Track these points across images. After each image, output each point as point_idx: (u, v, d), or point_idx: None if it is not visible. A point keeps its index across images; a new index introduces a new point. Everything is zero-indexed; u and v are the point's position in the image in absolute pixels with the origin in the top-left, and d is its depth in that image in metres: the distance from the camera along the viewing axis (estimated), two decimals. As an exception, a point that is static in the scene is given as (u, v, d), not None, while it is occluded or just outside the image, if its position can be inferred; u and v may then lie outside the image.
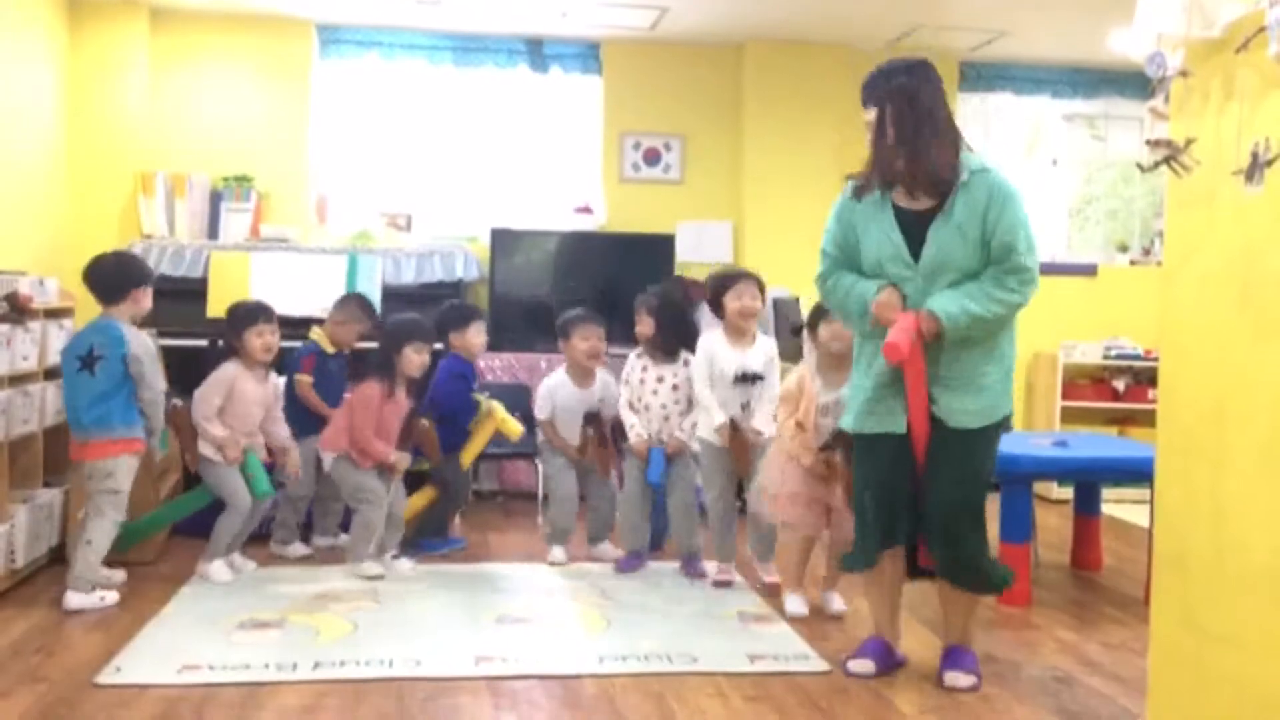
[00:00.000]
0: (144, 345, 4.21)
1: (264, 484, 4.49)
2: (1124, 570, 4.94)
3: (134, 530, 4.41)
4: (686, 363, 4.59)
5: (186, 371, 5.33)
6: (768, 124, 6.90)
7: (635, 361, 4.72)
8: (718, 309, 4.45)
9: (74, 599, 3.97)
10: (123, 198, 6.33)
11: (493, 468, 6.42)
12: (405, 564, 4.65)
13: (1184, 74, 2.57)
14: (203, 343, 5.65)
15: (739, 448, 4.37)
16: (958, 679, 3.34)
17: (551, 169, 7.01)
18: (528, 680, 3.34)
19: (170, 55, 6.53)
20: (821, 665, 3.51)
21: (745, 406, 4.37)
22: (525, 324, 6.61)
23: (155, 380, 4.20)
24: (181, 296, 6.05)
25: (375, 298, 6.18)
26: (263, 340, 4.48)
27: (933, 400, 3.29)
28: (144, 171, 6.33)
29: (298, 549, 4.92)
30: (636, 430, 4.61)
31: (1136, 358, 7.00)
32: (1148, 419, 6.15)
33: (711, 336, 4.47)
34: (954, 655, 3.43)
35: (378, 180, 6.86)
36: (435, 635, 3.73)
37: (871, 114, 3.28)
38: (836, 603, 4.14)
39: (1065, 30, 6.44)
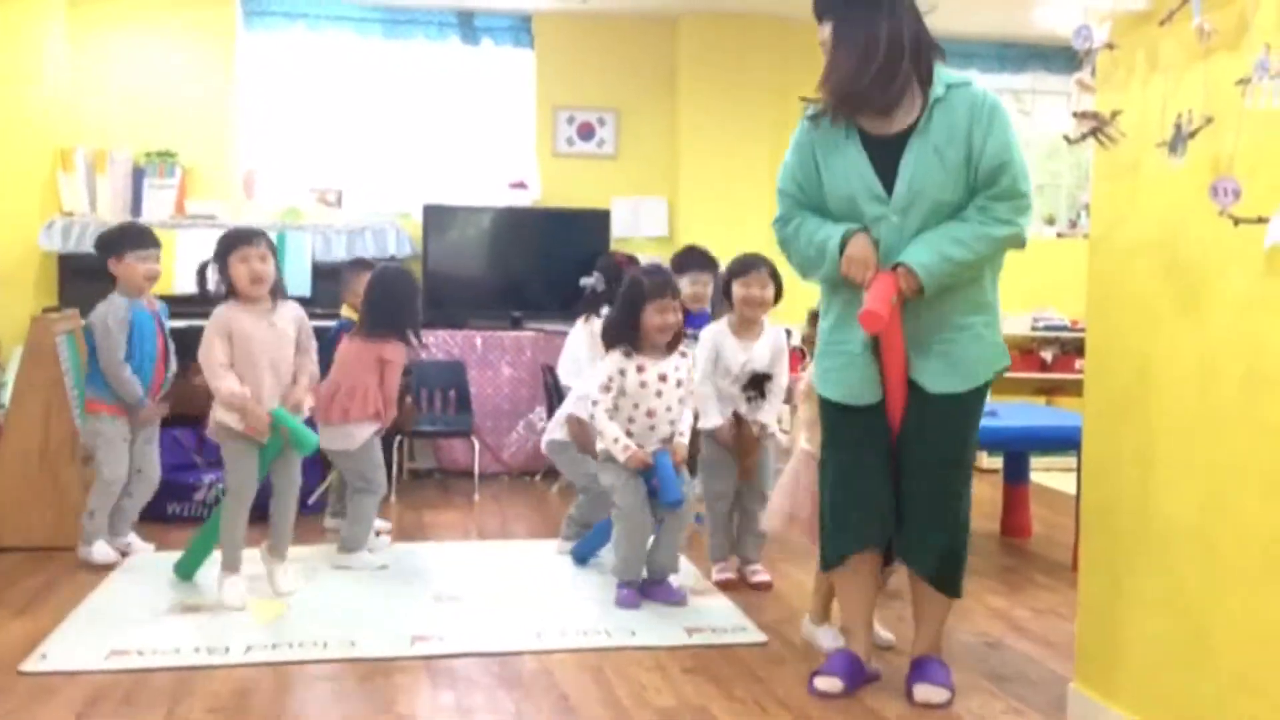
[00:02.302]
0: (105, 314, 4.25)
1: (306, 434, 3.77)
2: (1052, 537, 5.04)
3: (190, 558, 4.02)
4: (684, 354, 4.00)
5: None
6: (703, 98, 6.89)
7: (625, 362, 3.89)
8: (727, 297, 4.18)
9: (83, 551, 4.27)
10: (41, 174, 6.15)
11: (427, 445, 6.37)
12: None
13: (1110, 46, 2.60)
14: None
15: (742, 444, 4.10)
16: (930, 694, 2.98)
17: (485, 144, 6.95)
18: (465, 658, 3.33)
19: (89, 27, 6.34)
20: (759, 636, 3.54)
21: (751, 400, 4.12)
22: (459, 301, 6.56)
23: (109, 350, 4.23)
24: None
25: (305, 275, 6.09)
26: (248, 267, 3.71)
27: (910, 363, 2.89)
28: (63, 147, 6.16)
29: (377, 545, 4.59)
30: (624, 443, 3.85)
31: (1064, 329, 7.13)
32: (1075, 388, 6.29)
33: (717, 328, 4.17)
34: (925, 667, 3.05)
35: (307, 155, 6.75)
36: (370, 616, 3.69)
37: (827, 29, 2.84)
38: (882, 633, 3.48)
39: (993, 5, 6.50)
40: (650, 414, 3.90)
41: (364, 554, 4.36)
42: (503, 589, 4.05)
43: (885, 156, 2.84)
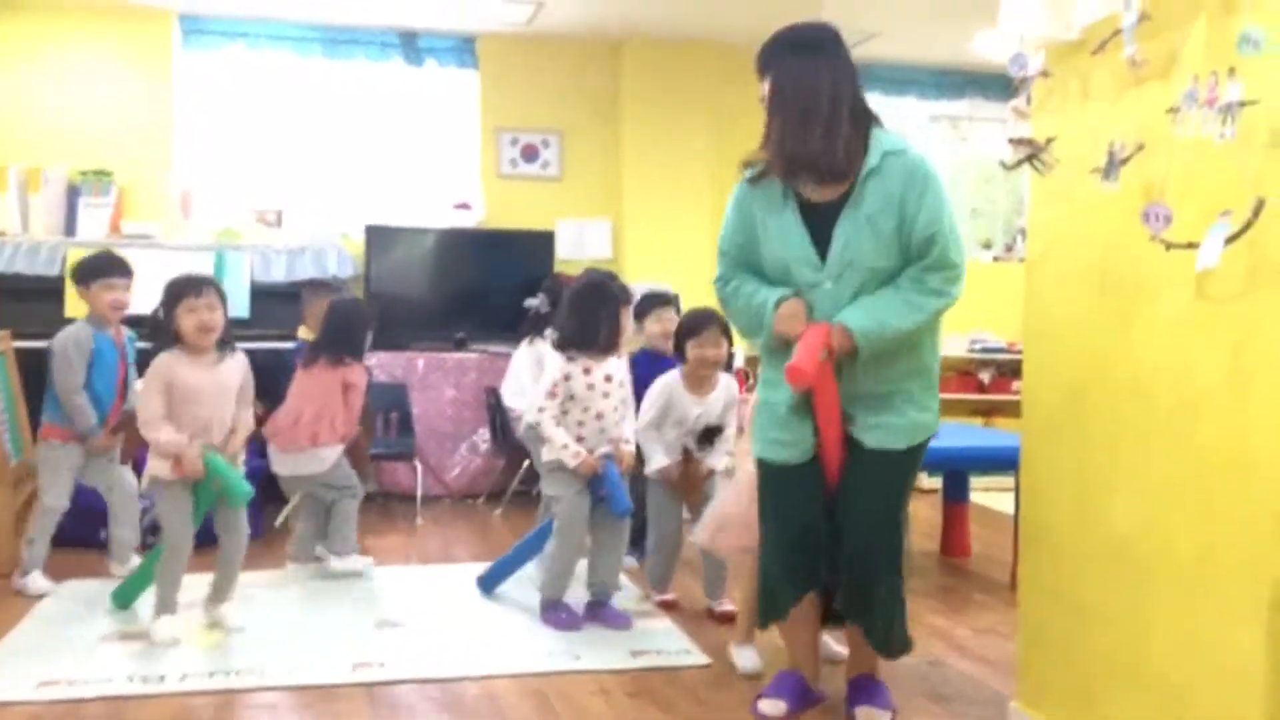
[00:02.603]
0: (64, 341, 4.21)
1: (240, 482, 3.63)
2: (991, 556, 5.10)
3: (128, 587, 3.97)
4: (620, 356, 4.01)
5: (46, 377, 5.10)
6: (646, 122, 6.93)
7: (569, 365, 3.85)
8: (680, 354, 4.08)
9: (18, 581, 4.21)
10: (-29, 192, 6.02)
11: (370, 469, 6.29)
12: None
13: (1045, 74, 2.65)
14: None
15: (689, 481, 4.10)
16: (872, 715, 2.97)
17: (428, 164, 6.92)
18: (407, 685, 3.28)
19: (21, 43, 6.23)
20: (702, 659, 3.53)
21: (701, 446, 4.09)
22: (402, 322, 6.50)
23: (66, 376, 4.18)
24: (37, 295, 5.79)
25: (243, 296, 6.02)
26: (196, 317, 3.59)
27: (848, 419, 2.86)
28: (-6, 165, 6.03)
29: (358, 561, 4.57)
30: (573, 449, 3.81)
31: (1000, 351, 7.25)
32: (1012, 409, 6.39)
33: (669, 379, 4.09)
34: (865, 688, 3.05)
35: (246, 175, 6.67)
36: (311, 642, 3.63)
37: (767, 85, 2.82)
38: (833, 646, 3.53)
39: (932, 33, 6.62)
40: (599, 416, 3.87)
41: (355, 556, 4.53)
42: (445, 613, 4.00)
43: (821, 223, 2.82)
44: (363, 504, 6.06)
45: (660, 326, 4.49)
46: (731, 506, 3.40)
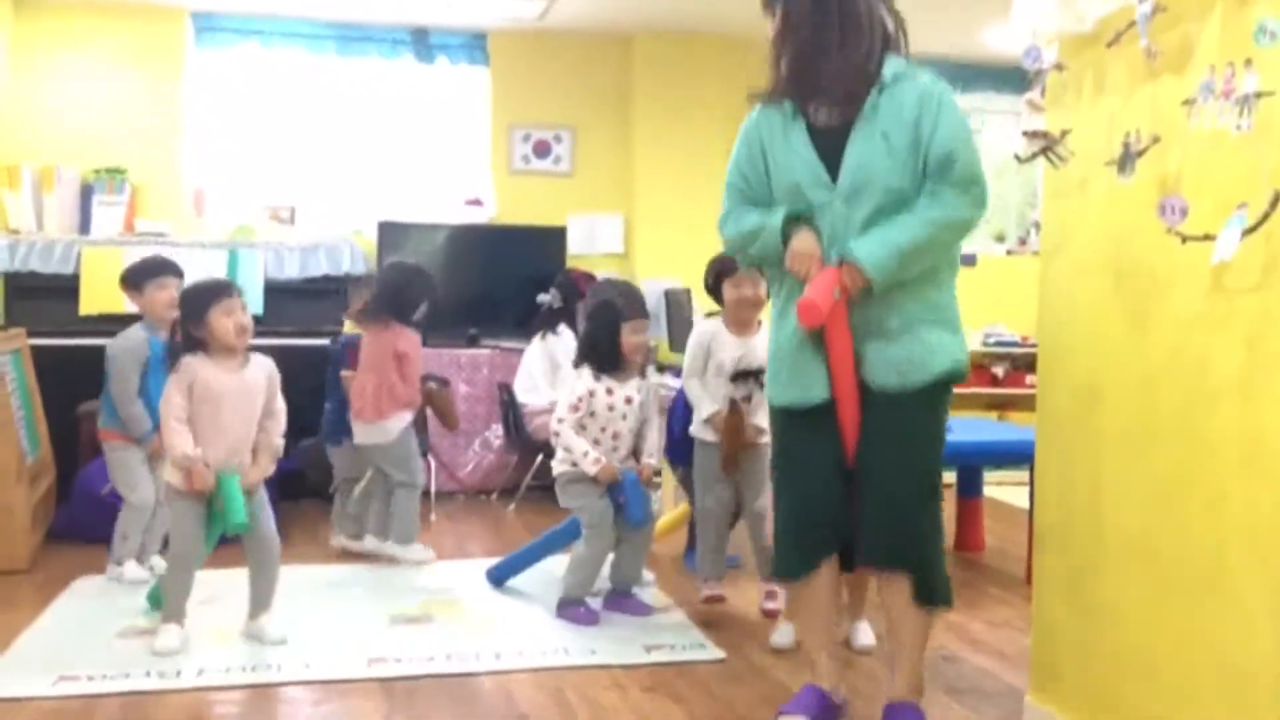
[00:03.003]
0: (120, 348, 4.21)
1: (239, 513, 3.43)
2: (1005, 550, 5.09)
3: (156, 592, 3.82)
4: (645, 376, 4.05)
5: (61, 374, 5.14)
6: (658, 116, 6.92)
7: (595, 383, 3.87)
8: (717, 296, 3.92)
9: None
10: (-14, 191, 6.05)
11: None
12: None
13: (1059, 67, 2.65)
14: (77, 342, 5.43)
15: (731, 433, 3.82)
16: None
17: (440, 161, 6.92)
18: (423, 680, 3.29)
19: (35, 42, 6.25)
20: (718, 653, 3.53)
21: (747, 399, 3.85)
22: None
23: (121, 383, 4.19)
24: (52, 294, 5.82)
25: (257, 293, 6.04)
26: (234, 319, 3.48)
27: (859, 361, 2.73)
28: (8, 164, 6.05)
29: (370, 542, 4.80)
30: (594, 456, 3.82)
31: (1014, 344, 7.22)
32: (1026, 403, 6.37)
33: (710, 325, 3.92)
34: (900, 716, 2.81)
35: (259, 173, 6.69)
36: (325, 638, 3.64)
37: (776, 17, 2.76)
38: (864, 635, 3.59)
39: (945, 26, 6.60)
40: (615, 435, 3.91)
41: (417, 547, 4.67)
42: (460, 609, 4.02)
43: (831, 145, 2.72)
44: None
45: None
46: None
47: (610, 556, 3.98)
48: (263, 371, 3.61)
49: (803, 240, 2.72)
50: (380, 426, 4.59)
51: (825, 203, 2.72)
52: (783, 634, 3.60)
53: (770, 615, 3.77)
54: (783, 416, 2.88)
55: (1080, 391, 2.67)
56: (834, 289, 2.64)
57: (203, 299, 3.50)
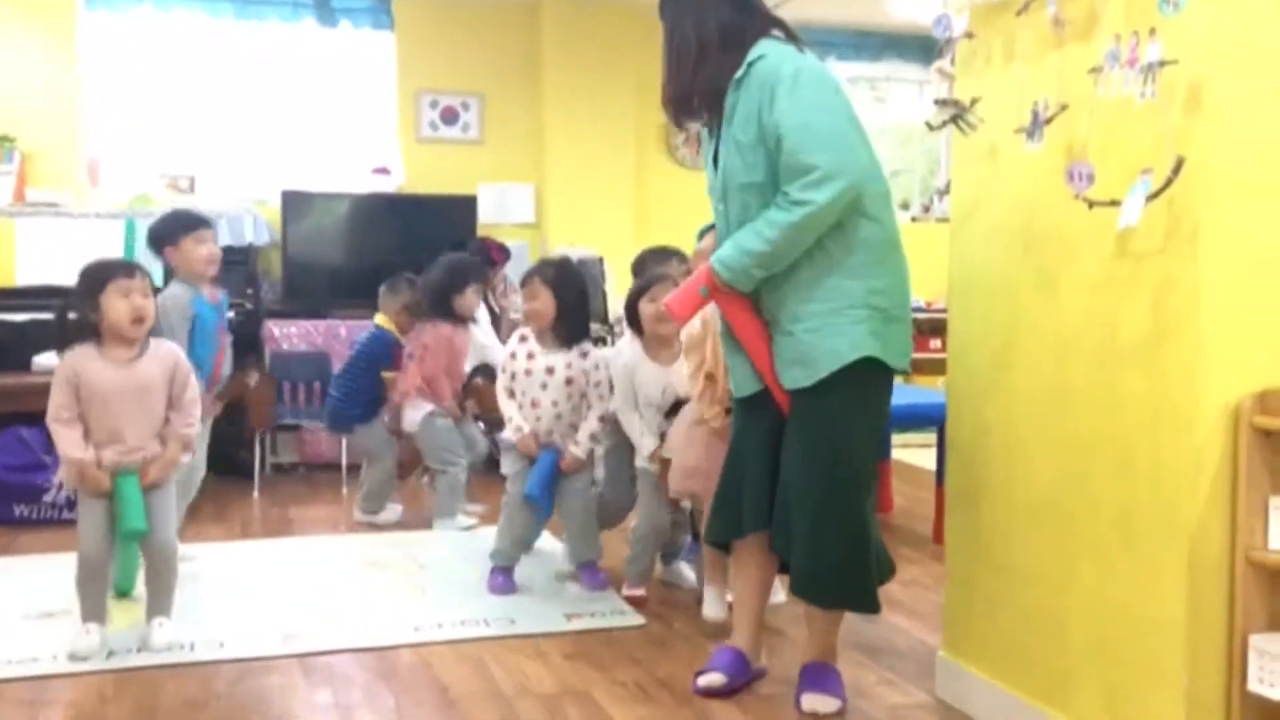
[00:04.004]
0: (166, 307, 3.78)
1: (136, 518, 3.15)
2: (914, 511, 5.21)
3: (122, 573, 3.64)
4: (585, 354, 3.80)
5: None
6: (568, 84, 6.86)
7: (518, 345, 3.81)
8: (634, 320, 3.73)
9: None
10: None
11: (290, 439, 6.21)
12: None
13: (969, 35, 2.68)
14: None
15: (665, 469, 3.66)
16: (818, 703, 2.81)
17: (345, 128, 6.78)
18: (340, 655, 3.26)
19: (-88, 2, 5.95)
20: (638, 619, 3.56)
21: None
22: (322, 289, 6.40)
23: (172, 339, 3.63)
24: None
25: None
26: (130, 303, 3.17)
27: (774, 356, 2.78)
28: (-114, 131, 5.77)
29: (393, 511, 4.99)
30: (516, 424, 3.75)
31: (919, 310, 7.36)
32: (931, 367, 6.49)
33: (630, 351, 3.77)
34: (814, 675, 2.88)
35: (156, 141, 6.48)
36: (239, 615, 3.58)
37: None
38: (775, 594, 3.38)
39: (851, -5, 6.65)
40: (535, 404, 3.77)
41: (459, 517, 4.81)
42: (376, 582, 3.98)
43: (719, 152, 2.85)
44: (286, 474, 6.06)
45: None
46: (675, 447, 3.49)
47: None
48: (160, 365, 3.25)
49: (706, 242, 2.91)
50: (405, 414, 4.81)
51: (716, 205, 2.88)
52: (712, 605, 3.46)
53: (632, 602, 3.70)
54: (735, 400, 2.98)
55: (992, 355, 2.73)
56: (699, 286, 2.79)
57: (96, 278, 3.17)
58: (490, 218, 6.79)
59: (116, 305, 3.14)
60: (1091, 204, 2.30)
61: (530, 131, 6.99)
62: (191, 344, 3.89)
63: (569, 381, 3.77)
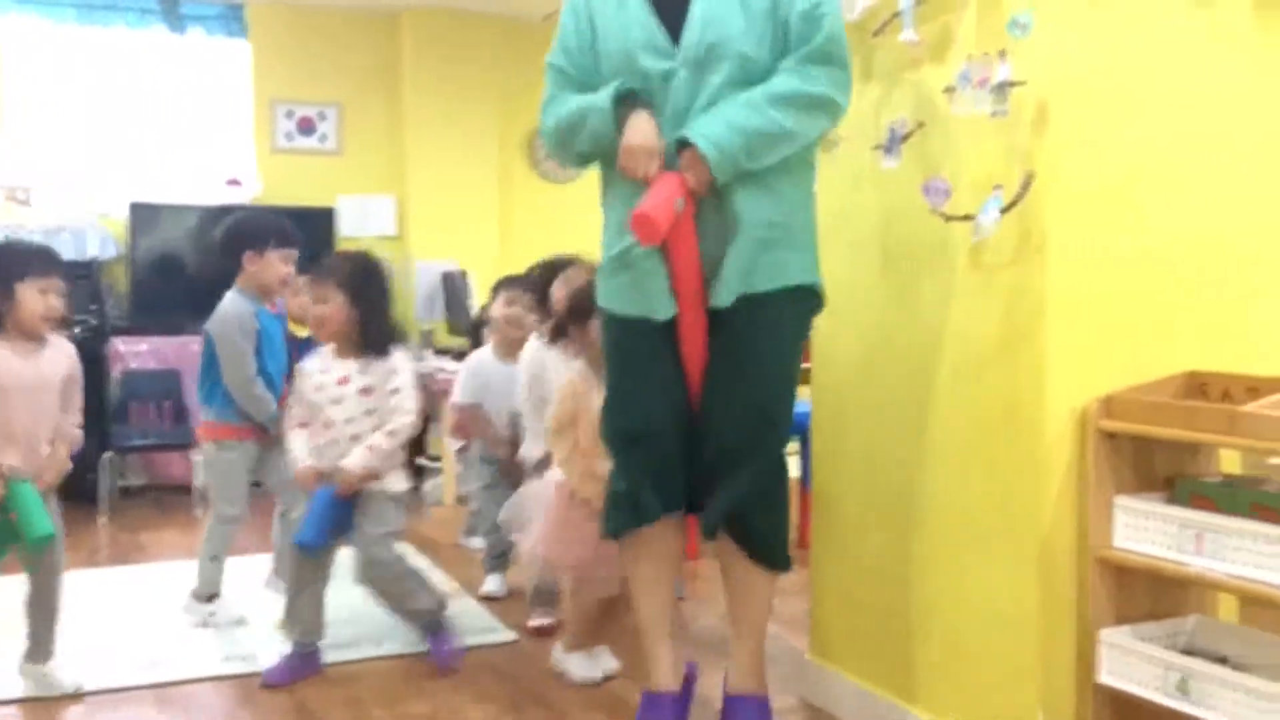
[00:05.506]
0: (232, 322, 3.60)
1: (40, 524, 2.88)
2: (779, 520, 5.29)
3: None
4: (384, 356, 3.20)
5: None
6: (430, 96, 6.78)
7: (313, 362, 3.24)
8: (543, 303, 3.44)
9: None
10: None
11: (139, 461, 5.96)
12: None
13: (829, 54, 2.75)
14: None
15: None
16: None
17: (197, 138, 6.55)
18: (199, 684, 3.15)
19: None
20: (508, 635, 3.52)
21: None
22: (171, 305, 6.16)
23: (236, 361, 3.58)
24: None
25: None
26: (47, 302, 2.93)
27: (706, 280, 2.35)
28: None
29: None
30: (294, 455, 3.18)
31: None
32: (794, 379, 6.63)
33: (537, 347, 3.45)
34: (742, 709, 2.54)
35: (-10, 149, 6.15)
36: (93, 644, 3.42)
37: None
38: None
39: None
40: (328, 425, 3.14)
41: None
42: (240, 609, 3.83)
43: (673, 4, 2.32)
44: (134, 498, 5.81)
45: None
46: (566, 531, 2.97)
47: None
48: (64, 357, 3.03)
49: (638, 128, 2.25)
50: None
51: (666, 71, 2.29)
52: (583, 667, 3.12)
53: (541, 633, 3.49)
54: (618, 330, 2.44)
55: (853, 366, 2.81)
56: (676, 199, 2.24)
57: (13, 266, 2.91)
58: (350, 230, 6.65)
59: (31, 300, 2.91)
60: (947, 218, 2.39)
61: (391, 142, 6.89)
62: (260, 359, 3.66)
63: (365, 391, 3.14)
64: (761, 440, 2.42)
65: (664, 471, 2.44)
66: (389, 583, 3.16)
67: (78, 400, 3.09)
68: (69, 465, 3.07)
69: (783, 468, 2.50)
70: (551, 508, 3.00)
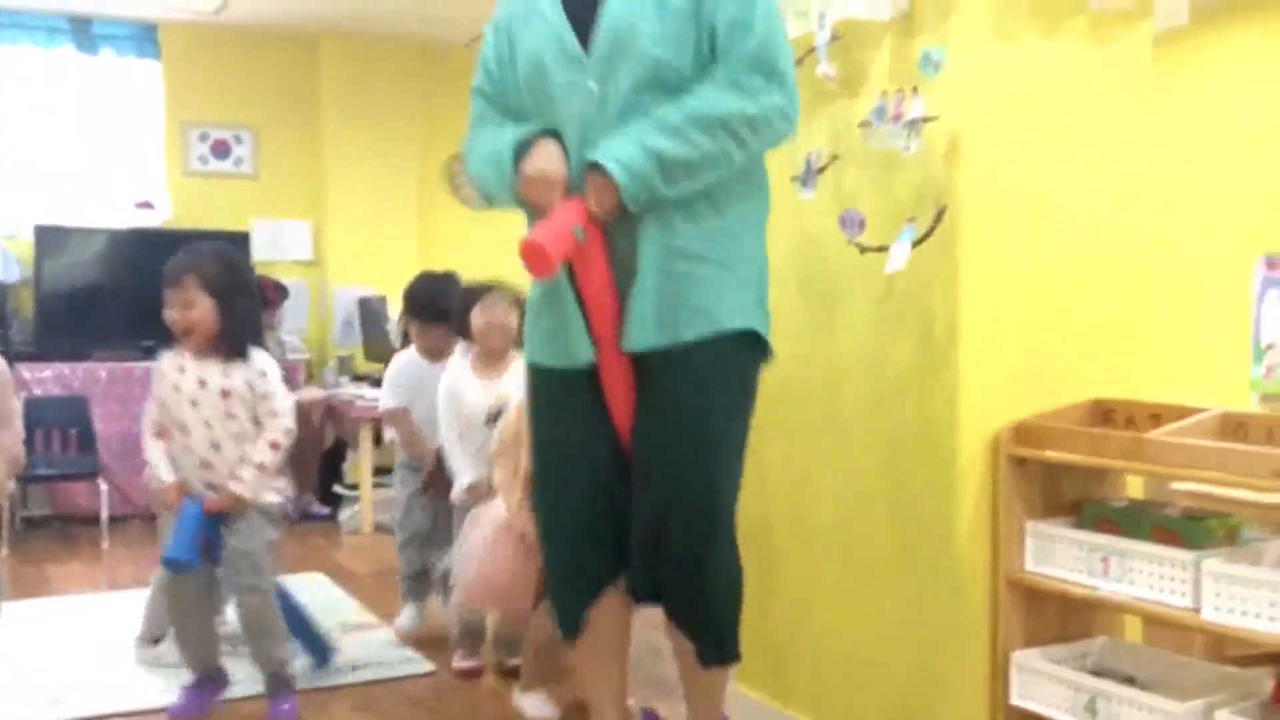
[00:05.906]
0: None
1: None
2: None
3: None
4: (247, 358, 2.96)
5: None
6: (348, 120, 6.73)
7: (169, 360, 2.99)
8: (465, 329, 3.39)
9: None
10: None
11: (43, 491, 5.77)
12: None
13: (747, 87, 2.79)
14: None
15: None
16: None
17: (106, 160, 6.41)
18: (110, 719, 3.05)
19: None
20: (427, 666, 3.48)
21: None
22: (80, 330, 6.01)
23: None
24: None
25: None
26: None
27: (624, 319, 2.09)
28: None
29: None
30: (154, 474, 2.98)
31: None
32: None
33: (455, 368, 3.41)
34: None
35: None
36: (-9, 683, 3.30)
37: None
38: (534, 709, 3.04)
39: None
40: (184, 430, 2.91)
41: None
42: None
43: (587, 8, 2.08)
44: (37, 529, 5.63)
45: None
46: (481, 558, 2.89)
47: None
48: None
49: (541, 156, 2.04)
50: None
51: (574, 81, 2.07)
52: (532, 705, 3.03)
53: (468, 675, 3.39)
54: (537, 380, 2.23)
55: (771, 395, 2.81)
56: (574, 225, 2.01)
57: None
58: (265, 254, 6.55)
59: None
60: (863, 249, 2.44)
61: (308, 166, 6.81)
62: None
63: (226, 394, 2.90)
64: (693, 534, 2.12)
65: (594, 540, 2.21)
66: (254, 629, 3.00)
67: (19, 416, 2.73)
68: (7, 487, 2.79)
69: (728, 555, 2.20)
70: (483, 540, 2.90)
